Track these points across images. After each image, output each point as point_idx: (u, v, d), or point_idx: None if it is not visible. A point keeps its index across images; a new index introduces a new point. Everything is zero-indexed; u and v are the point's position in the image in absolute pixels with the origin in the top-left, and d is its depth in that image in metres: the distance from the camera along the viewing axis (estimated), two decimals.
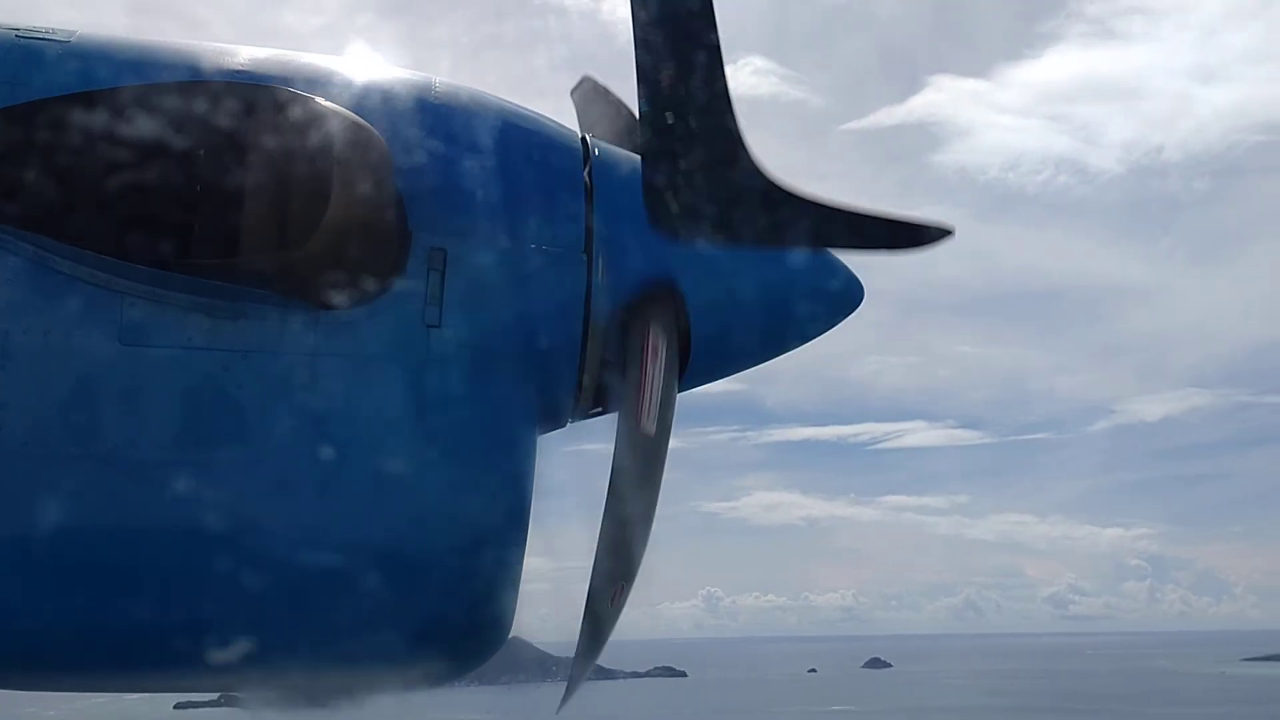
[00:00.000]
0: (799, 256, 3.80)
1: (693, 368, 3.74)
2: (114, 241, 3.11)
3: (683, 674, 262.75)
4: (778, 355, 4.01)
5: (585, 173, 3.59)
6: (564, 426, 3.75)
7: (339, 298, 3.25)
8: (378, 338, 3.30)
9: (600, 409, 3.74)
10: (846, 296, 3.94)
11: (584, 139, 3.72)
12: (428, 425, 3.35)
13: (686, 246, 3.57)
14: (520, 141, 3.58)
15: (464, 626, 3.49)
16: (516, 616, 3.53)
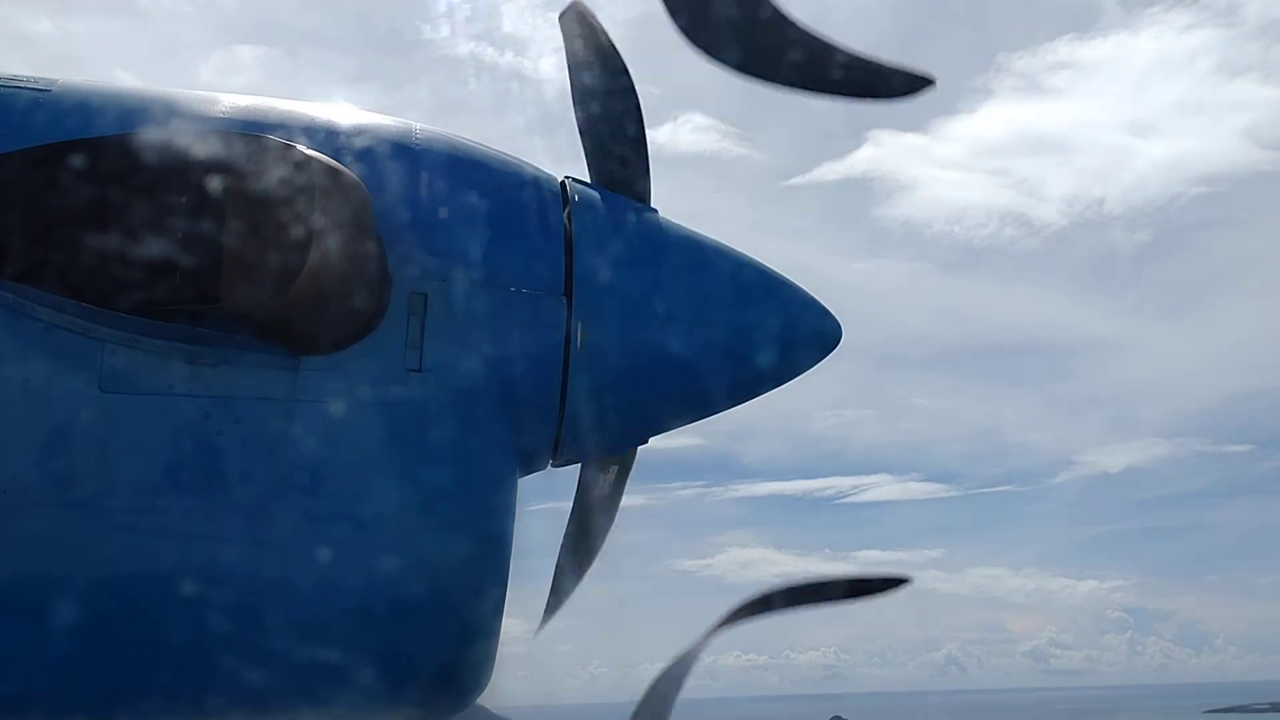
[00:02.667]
0: (775, 297, 3.93)
1: (669, 410, 3.85)
2: (95, 289, 3.15)
3: None
4: (755, 397, 4.08)
5: (564, 215, 3.69)
6: (544, 469, 3.81)
7: (320, 344, 3.31)
8: (359, 383, 3.35)
9: (581, 454, 3.81)
10: (824, 336, 4.04)
11: (563, 183, 3.81)
12: (408, 470, 3.39)
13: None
14: (499, 186, 3.68)
15: (445, 671, 3.52)
16: (498, 660, 3.56)
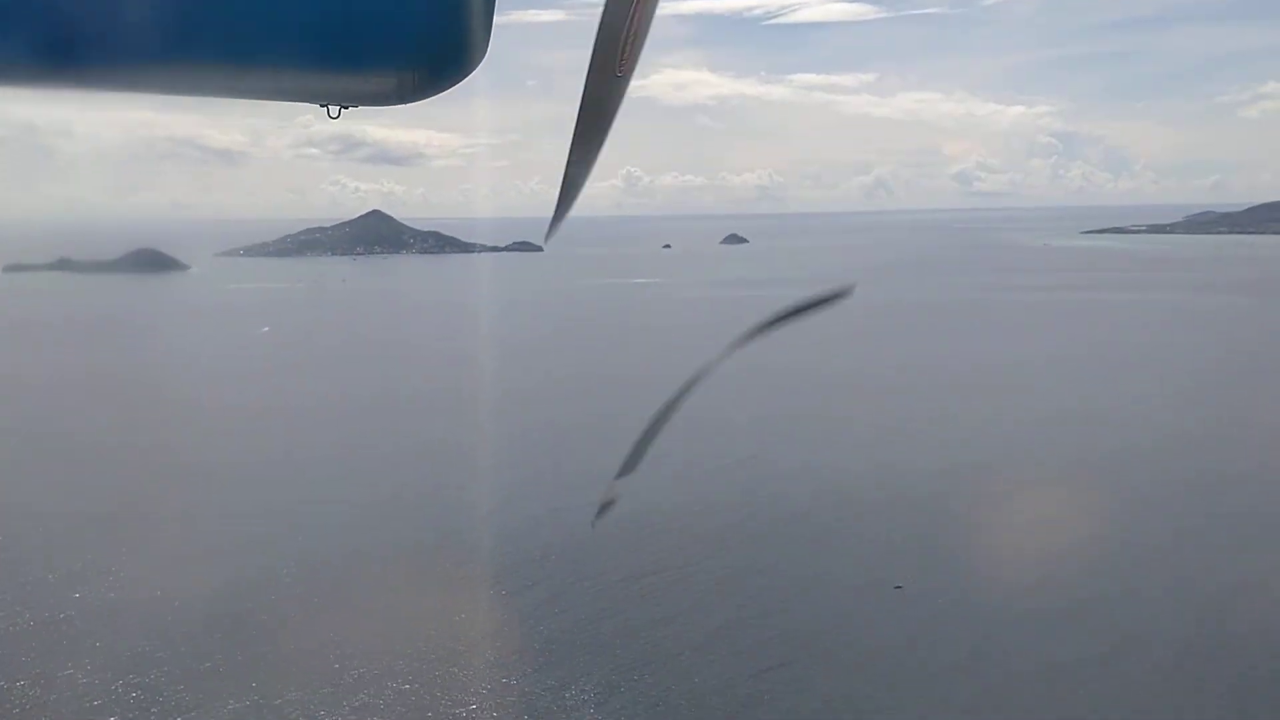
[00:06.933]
0: None
1: None
2: None
3: (539, 249, 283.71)
4: None
5: None
6: None
7: None
8: None
9: None
10: None
11: None
12: None
13: None
14: None
15: (443, 39, 3.91)
16: (491, 39, 4.05)
